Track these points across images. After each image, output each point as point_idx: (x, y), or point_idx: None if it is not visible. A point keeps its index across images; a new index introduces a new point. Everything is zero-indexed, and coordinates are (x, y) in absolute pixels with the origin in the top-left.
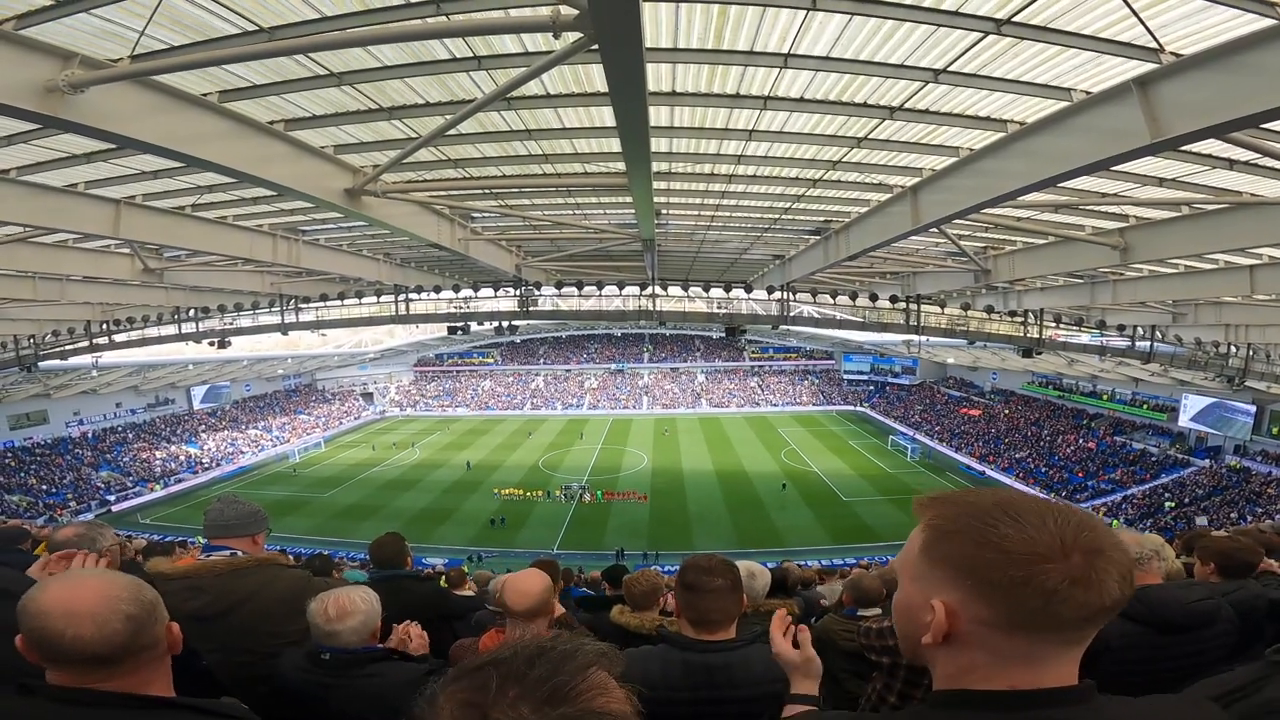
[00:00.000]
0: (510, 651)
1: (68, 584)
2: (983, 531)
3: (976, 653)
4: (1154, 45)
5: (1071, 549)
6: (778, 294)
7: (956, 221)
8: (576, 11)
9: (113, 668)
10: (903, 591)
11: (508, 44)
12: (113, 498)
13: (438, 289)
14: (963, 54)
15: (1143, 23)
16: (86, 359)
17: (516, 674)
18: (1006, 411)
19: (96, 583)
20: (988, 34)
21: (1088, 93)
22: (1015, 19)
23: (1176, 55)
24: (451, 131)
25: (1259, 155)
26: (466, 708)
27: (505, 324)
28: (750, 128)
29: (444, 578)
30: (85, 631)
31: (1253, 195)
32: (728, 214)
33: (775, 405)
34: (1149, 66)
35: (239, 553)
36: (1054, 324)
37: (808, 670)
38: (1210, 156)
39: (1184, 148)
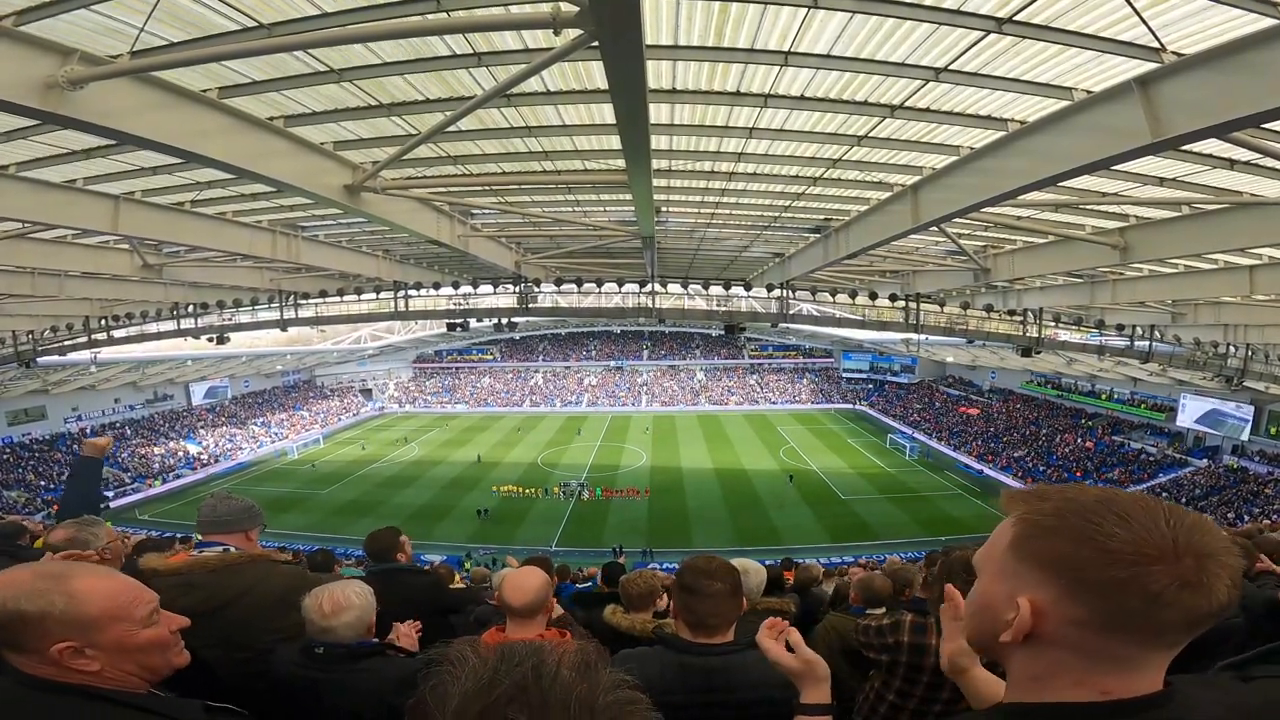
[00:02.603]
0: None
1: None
2: (1084, 529)
3: (1066, 653)
4: (1156, 45)
5: (1184, 551)
6: (777, 292)
7: (956, 220)
8: (577, 8)
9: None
10: (981, 587)
11: (508, 41)
12: (111, 494)
13: (437, 285)
14: (964, 53)
15: (1145, 22)
16: (85, 355)
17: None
18: (1005, 410)
19: (10, 576)
20: (989, 33)
21: (1089, 92)
22: (1016, 18)
23: (1178, 55)
24: (451, 128)
25: (1259, 155)
26: None
27: (505, 321)
28: (750, 125)
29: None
30: None
31: (1253, 195)
32: (728, 212)
33: (774, 403)
34: (1150, 66)
35: (232, 548)
36: (1053, 323)
37: (815, 674)
38: (1211, 156)
39: (1184, 147)
